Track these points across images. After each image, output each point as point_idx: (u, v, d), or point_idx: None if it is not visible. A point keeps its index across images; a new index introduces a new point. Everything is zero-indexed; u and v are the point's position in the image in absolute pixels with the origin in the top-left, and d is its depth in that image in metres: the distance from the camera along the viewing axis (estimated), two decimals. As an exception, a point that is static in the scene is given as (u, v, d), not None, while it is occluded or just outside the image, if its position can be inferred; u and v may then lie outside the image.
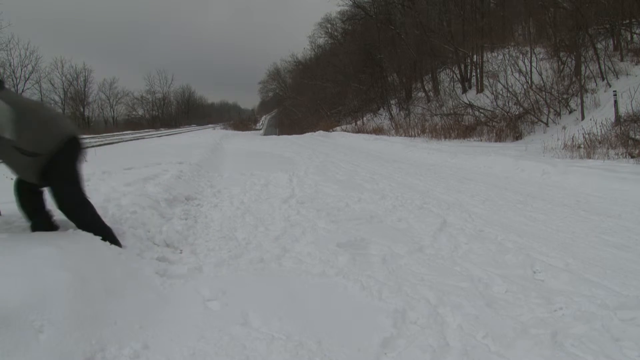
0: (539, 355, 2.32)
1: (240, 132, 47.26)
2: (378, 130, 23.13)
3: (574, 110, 12.77)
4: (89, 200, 3.62)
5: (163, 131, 42.75)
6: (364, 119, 29.13)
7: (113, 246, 3.50)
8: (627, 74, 12.17)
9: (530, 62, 15.34)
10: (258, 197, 6.48)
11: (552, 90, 13.68)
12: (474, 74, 21.04)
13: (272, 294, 3.11)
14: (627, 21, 13.77)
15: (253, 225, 4.93)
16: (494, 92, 15.37)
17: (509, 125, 14.09)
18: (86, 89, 48.72)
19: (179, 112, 73.05)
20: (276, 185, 7.51)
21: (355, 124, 28.97)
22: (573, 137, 9.99)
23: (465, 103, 17.05)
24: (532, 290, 3.08)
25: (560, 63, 14.76)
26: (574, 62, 13.90)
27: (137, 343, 2.44)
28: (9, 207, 4.31)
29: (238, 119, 73.65)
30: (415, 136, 18.56)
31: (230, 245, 4.20)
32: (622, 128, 9.68)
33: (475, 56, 20.81)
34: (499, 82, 15.53)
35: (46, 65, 51.58)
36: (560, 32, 15.07)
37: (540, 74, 14.46)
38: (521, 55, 15.87)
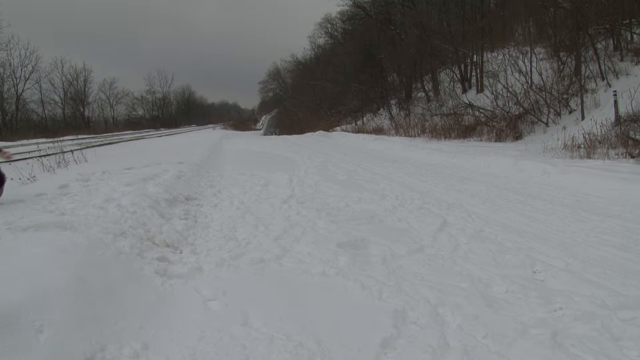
0: (539, 355, 2.32)
1: (240, 132, 47.31)
2: (378, 130, 23.12)
3: (574, 110, 12.76)
4: None
5: (163, 131, 42.73)
6: (364, 119, 29.13)
7: (113, 246, 3.51)
8: (627, 74, 12.16)
9: (530, 62, 15.33)
10: (258, 197, 6.48)
11: (552, 90, 13.67)
12: (474, 74, 21.04)
13: (272, 294, 3.11)
14: (627, 21, 13.76)
15: (253, 225, 4.93)
16: (494, 92, 15.35)
17: (509, 125, 14.09)
18: (86, 89, 48.65)
19: (179, 112, 73.00)
20: (276, 185, 7.51)
21: (355, 124, 28.98)
22: (573, 137, 9.98)
23: (465, 103, 17.03)
24: (532, 290, 3.08)
25: (560, 63, 14.75)
26: (574, 62, 13.90)
27: (137, 343, 2.44)
28: (9, 206, 4.31)
29: (238, 119, 73.67)
30: (415, 136, 18.54)
31: (230, 245, 4.20)
32: (622, 128, 9.67)
33: (475, 56, 20.80)
34: (499, 82, 15.52)
35: (46, 65, 51.56)
36: (560, 32, 15.06)
37: (540, 74, 14.45)
38: (521, 55, 15.85)
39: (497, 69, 17.43)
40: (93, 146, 13.87)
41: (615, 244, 3.98)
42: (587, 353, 2.31)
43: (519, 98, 14.37)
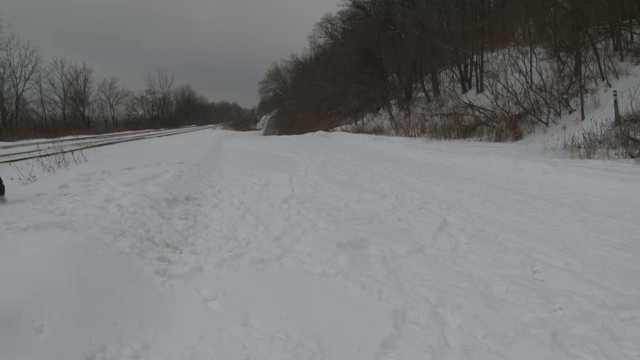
0: (539, 355, 2.32)
1: (241, 132, 47.30)
2: (378, 130, 23.12)
3: (574, 110, 12.76)
4: None
5: (163, 131, 42.73)
6: (364, 119, 29.13)
7: (113, 246, 3.51)
8: (627, 74, 12.16)
9: (530, 62, 15.33)
10: (258, 197, 6.48)
11: (552, 90, 13.66)
12: (474, 74, 21.03)
13: (272, 294, 3.11)
14: (627, 21, 13.76)
15: (253, 225, 4.93)
16: (494, 92, 15.34)
17: (509, 125, 14.08)
18: (86, 89, 48.59)
19: (179, 112, 72.99)
20: (276, 185, 7.51)
21: (355, 124, 28.97)
22: (573, 137, 9.98)
23: (465, 103, 17.02)
24: (532, 290, 3.08)
25: (560, 63, 14.75)
26: (574, 62, 13.89)
27: (137, 343, 2.44)
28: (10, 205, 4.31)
29: (238, 119, 73.68)
30: (415, 136, 18.54)
31: (230, 245, 4.20)
32: (622, 128, 9.67)
33: (475, 56, 20.80)
34: (499, 82, 15.52)
35: (46, 65, 51.52)
36: (560, 32, 15.06)
37: (540, 74, 14.44)
38: (521, 55, 15.84)
39: (497, 69, 17.42)
40: (93, 146, 13.88)
41: (615, 244, 3.98)
42: (587, 353, 2.31)
43: (519, 98, 14.36)
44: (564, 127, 11.85)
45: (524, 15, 19.12)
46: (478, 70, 20.11)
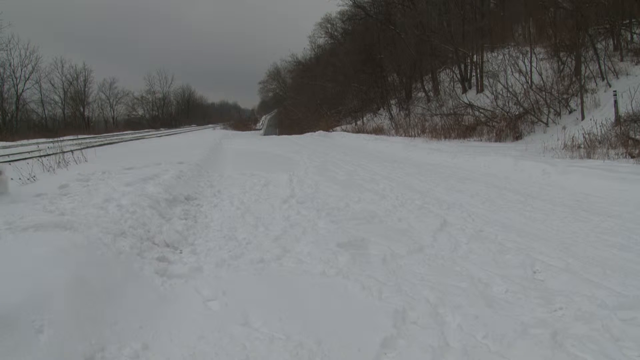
0: (539, 355, 2.32)
1: (241, 132, 47.34)
2: (378, 130, 23.13)
3: (574, 110, 12.75)
4: None
5: (163, 131, 42.75)
6: (364, 119, 29.13)
7: (113, 246, 3.51)
8: (627, 74, 12.16)
9: (530, 62, 15.32)
10: (258, 197, 6.48)
11: (552, 90, 13.66)
12: (474, 74, 21.02)
13: (272, 294, 3.11)
14: (627, 21, 13.76)
15: (253, 225, 4.93)
16: (494, 92, 15.34)
17: (509, 125, 14.08)
18: (86, 89, 48.63)
19: (179, 112, 73.03)
20: (276, 185, 7.51)
21: (355, 124, 28.98)
22: (573, 137, 9.98)
23: (465, 103, 17.02)
24: (532, 290, 3.08)
25: (560, 63, 14.74)
26: (574, 62, 13.89)
27: (137, 343, 2.44)
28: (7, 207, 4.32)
29: (238, 119, 73.72)
30: (415, 136, 18.54)
31: (230, 245, 4.20)
32: (622, 128, 9.67)
33: (475, 56, 20.79)
34: (499, 82, 15.52)
35: (46, 65, 51.51)
36: (560, 32, 15.05)
37: (540, 74, 14.44)
38: (521, 55, 15.85)
39: (497, 69, 17.41)
40: (93, 146, 13.88)
41: (616, 244, 3.98)
42: (587, 353, 2.31)
43: (519, 98, 14.36)
44: (564, 127, 11.85)
45: (524, 15, 19.12)
46: (478, 70, 20.10)
